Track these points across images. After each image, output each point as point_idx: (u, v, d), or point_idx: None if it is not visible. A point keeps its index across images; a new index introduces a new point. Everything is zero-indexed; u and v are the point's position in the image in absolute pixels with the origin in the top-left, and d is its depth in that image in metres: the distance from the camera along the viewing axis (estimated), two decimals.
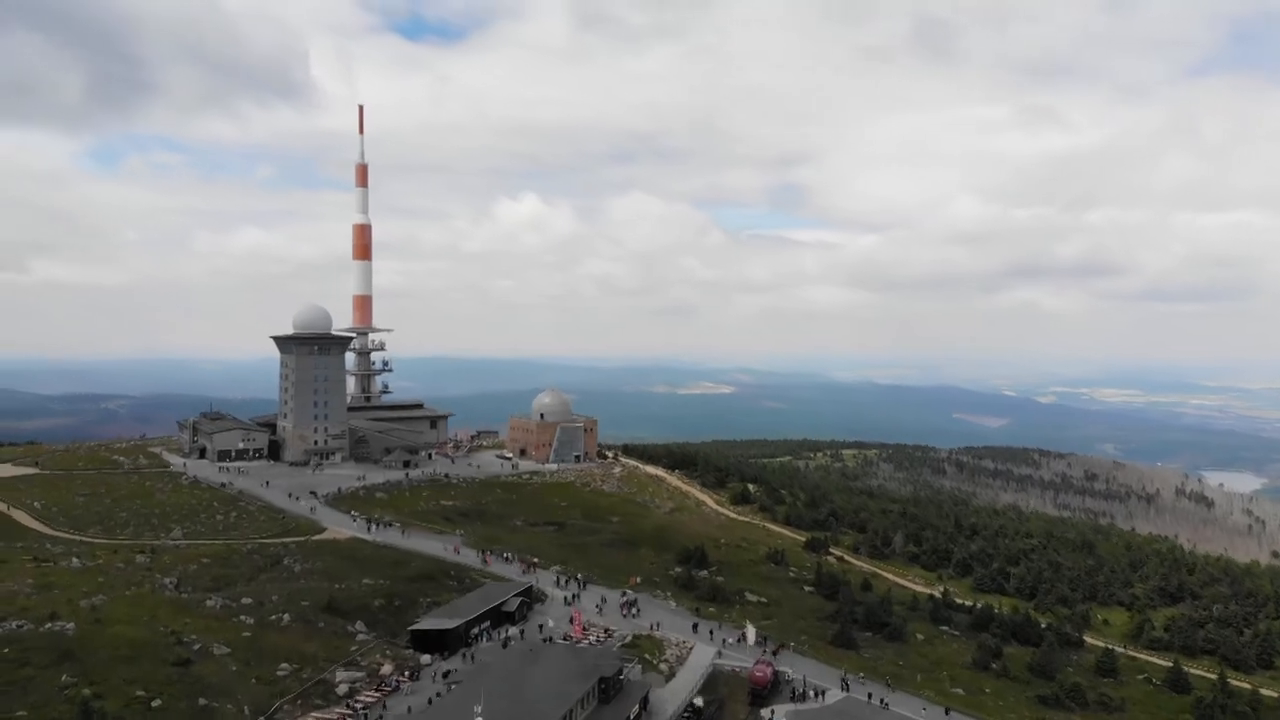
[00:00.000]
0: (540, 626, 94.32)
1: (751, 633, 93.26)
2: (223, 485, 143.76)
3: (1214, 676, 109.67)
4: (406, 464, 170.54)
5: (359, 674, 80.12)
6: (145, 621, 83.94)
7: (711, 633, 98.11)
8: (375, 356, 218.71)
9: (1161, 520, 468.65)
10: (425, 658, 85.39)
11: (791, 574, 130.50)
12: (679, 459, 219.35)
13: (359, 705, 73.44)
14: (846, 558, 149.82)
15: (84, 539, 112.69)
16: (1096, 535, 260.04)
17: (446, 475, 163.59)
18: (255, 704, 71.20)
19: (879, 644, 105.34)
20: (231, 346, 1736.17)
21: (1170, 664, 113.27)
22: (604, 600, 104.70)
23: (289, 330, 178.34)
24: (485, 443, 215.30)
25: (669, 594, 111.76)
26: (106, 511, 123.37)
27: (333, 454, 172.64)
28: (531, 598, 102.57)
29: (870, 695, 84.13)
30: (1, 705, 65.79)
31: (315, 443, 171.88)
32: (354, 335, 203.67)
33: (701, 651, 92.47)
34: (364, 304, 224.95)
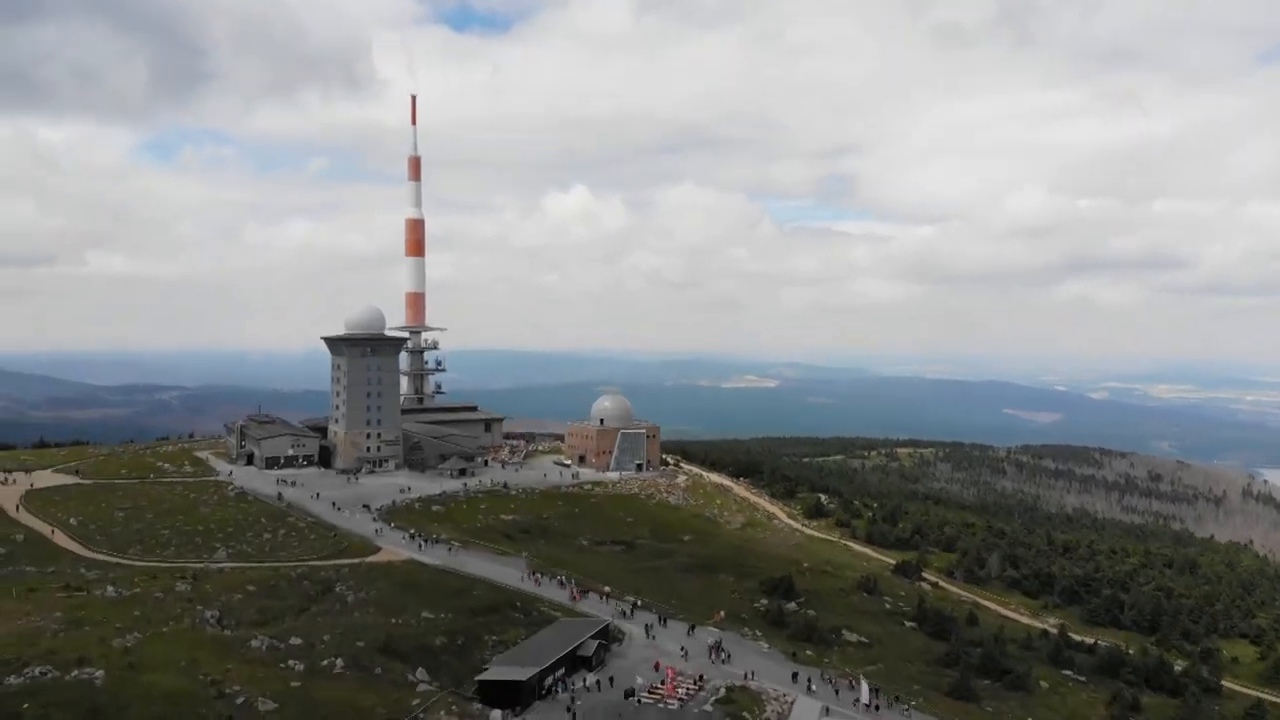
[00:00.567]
0: (612, 679, 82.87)
1: (866, 689, 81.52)
2: (279, 496, 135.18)
3: None
4: (463, 472, 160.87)
5: None
6: (183, 667, 74.29)
7: (811, 682, 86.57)
8: (428, 356, 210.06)
9: (1232, 524, 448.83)
10: (495, 714, 74.90)
11: (887, 606, 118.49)
12: (744, 466, 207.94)
13: None
14: (941, 583, 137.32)
15: (122, 560, 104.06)
16: (1182, 548, 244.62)
17: (505, 486, 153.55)
18: None
19: (1001, 694, 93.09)
20: (281, 339, 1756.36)
21: None
22: (690, 632, 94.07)
23: (339, 329, 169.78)
24: (541, 447, 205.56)
25: (758, 632, 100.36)
26: (147, 528, 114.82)
27: (386, 461, 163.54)
28: (609, 637, 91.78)
29: None
30: None
31: (368, 449, 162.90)
32: (408, 335, 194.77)
33: (805, 708, 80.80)
34: (416, 301, 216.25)
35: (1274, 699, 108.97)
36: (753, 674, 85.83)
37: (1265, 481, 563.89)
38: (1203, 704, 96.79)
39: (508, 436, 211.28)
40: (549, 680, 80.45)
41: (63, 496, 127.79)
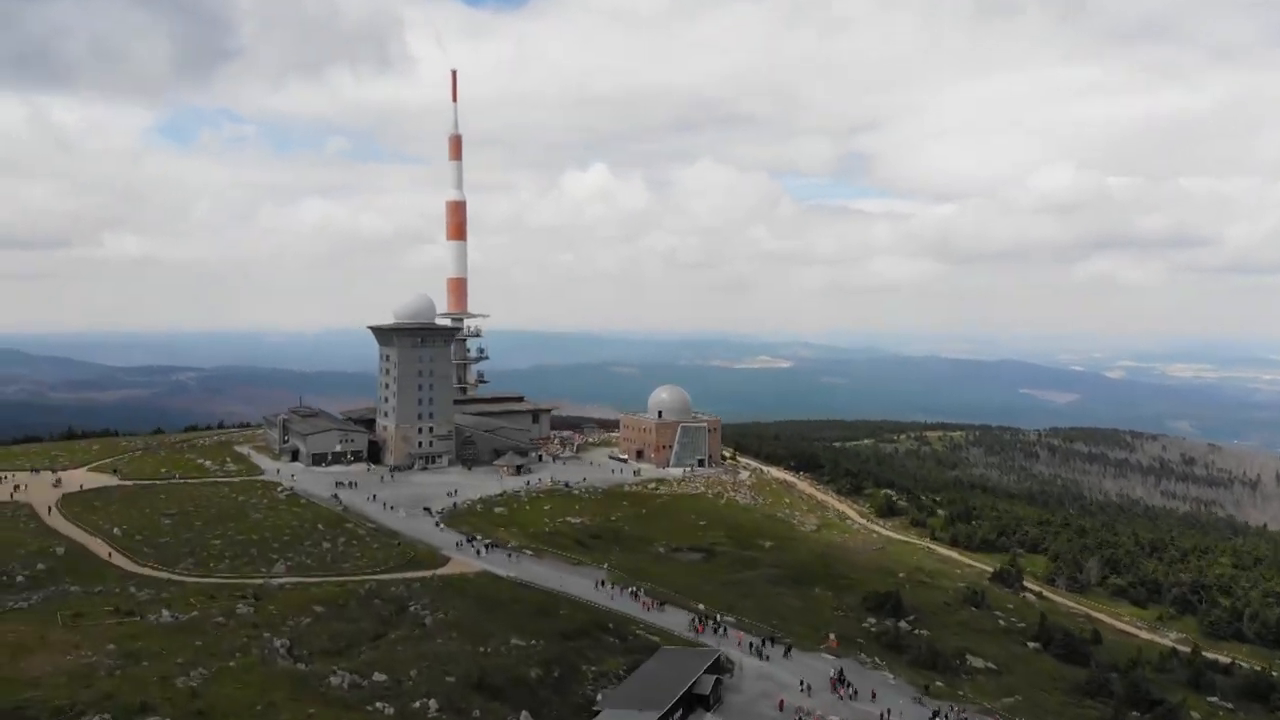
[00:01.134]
0: None
1: None
2: (334, 499, 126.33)
3: None
4: (520, 469, 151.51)
5: None
6: (259, 712, 65.27)
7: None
8: (470, 344, 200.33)
9: (1270, 508, 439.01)
10: None
11: (1001, 622, 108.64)
12: (803, 459, 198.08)
13: None
14: (1044, 592, 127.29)
15: (174, 576, 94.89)
16: (1236, 538, 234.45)
17: (568, 485, 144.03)
18: None
19: None
20: (297, 320, 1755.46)
21: None
22: (786, 653, 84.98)
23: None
24: (591, 439, 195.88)
25: (877, 659, 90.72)
26: (197, 538, 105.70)
27: (439, 457, 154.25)
28: (719, 668, 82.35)
29: None
30: None
31: (419, 444, 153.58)
32: (459, 325, 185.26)
33: None
34: (459, 287, 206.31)
35: None
36: (888, 713, 76.36)
37: None
38: None
39: (555, 427, 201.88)
40: None
41: (102, 500, 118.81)
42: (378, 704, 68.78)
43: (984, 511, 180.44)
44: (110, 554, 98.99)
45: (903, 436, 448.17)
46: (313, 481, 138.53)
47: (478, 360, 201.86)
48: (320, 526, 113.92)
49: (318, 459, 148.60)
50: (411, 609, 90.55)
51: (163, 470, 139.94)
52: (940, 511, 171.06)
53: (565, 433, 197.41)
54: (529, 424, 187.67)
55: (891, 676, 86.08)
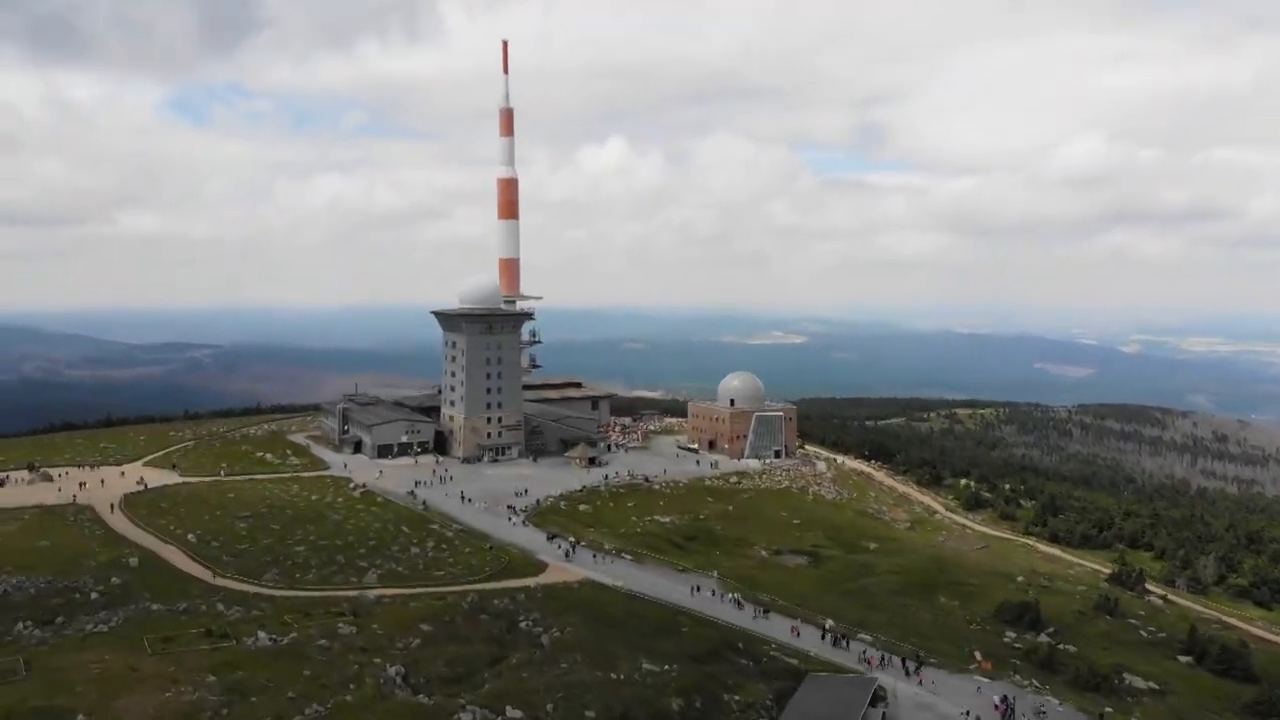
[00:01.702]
0: None
1: None
2: (412, 495, 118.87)
3: None
4: (592, 461, 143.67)
5: None
6: None
7: None
8: (524, 327, 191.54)
9: None
10: None
11: (1143, 633, 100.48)
12: (875, 447, 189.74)
13: None
14: (1169, 595, 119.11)
15: (261, 590, 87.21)
16: None
17: (647, 478, 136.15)
18: None
19: None
20: (313, 296, 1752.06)
21: None
22: (915, 671, 77.14)
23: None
24: (653, 426, 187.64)
25: (1034, 680, 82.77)
26: (278, 543, 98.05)
27: (509, 448, 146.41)
28: (877, 699, 74.59)
29: None
30: None
31: (488, 435, 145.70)
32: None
33: None
34: (510, 268, 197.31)
35: None
36: None
37: None
38: None
39: (614, 414, 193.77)
40: None
41: (169, 501, 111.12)
42: None
43: (1066, 501, 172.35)
44: (188, 564, 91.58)
45: (932, 414, 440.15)
46: (377, 475, 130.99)
47: (532, 344, 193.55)
48: (404, 528, 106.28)
49: (383, 451, 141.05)
50: (523, 625, 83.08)
51: (223, 465, 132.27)
52: (1025, 503, 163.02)
53: (624, 420, 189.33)
54: (588, 411, 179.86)
55: (1056, 701, 78.12)
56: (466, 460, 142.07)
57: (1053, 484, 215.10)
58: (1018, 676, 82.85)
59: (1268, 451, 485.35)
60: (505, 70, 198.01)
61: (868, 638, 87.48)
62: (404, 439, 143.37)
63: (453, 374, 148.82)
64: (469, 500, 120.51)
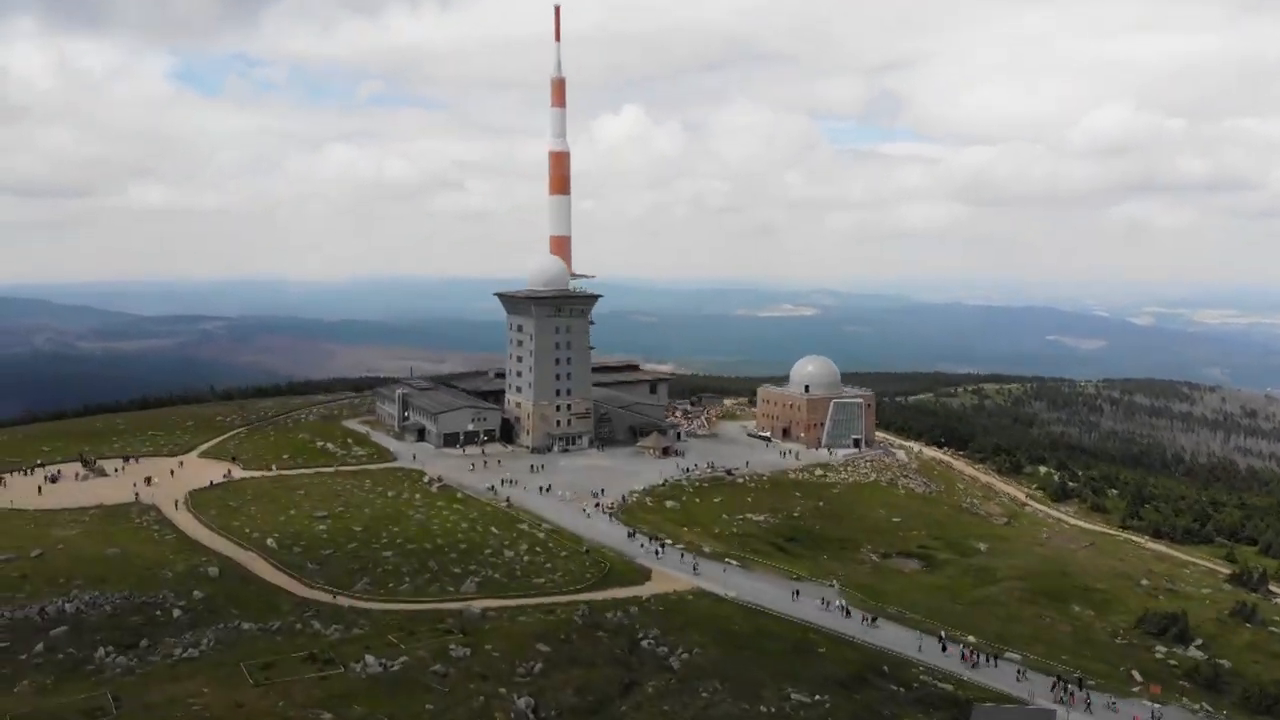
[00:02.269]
0: None
1: None
2: (493, 490, 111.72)
3: None
4: (666, 451, 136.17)
5: None
6: None
7: None
8: None
9: None
10: None
11: None
12: (946, 433, 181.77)
13: None
14: None
15: (355, 602, 79.91)
16: None
17: (729, 471, 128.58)
18: None
19: None
20: (322, 268, 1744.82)
21: None
22: (1151, 715, 69.40)
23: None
24: (715, 411, 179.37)
25: (1204, 704, 75.45)
26: (363, 548, 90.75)
27: (578, 438, 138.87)
28: None
29: None
30: None
31: (557, 423, 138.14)
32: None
33: None
34: (562, 246, 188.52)
35: None
36: None
37: None
38: None
39: (675, 398, 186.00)
40: None
41: (237, 499, 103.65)
42: None
43: (1149, 489, 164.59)
44: (272, 573, 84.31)
45: (960, 390, 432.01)
46: (453, 467, 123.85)
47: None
48: (493, 529, 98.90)
49: (449, 440, 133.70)
50: (645, 644, 75.83)
51: (284, 457, 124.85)
52: (1111, 491, 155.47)
53: (683, 404, 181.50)
54: (647, 395, 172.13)
55: None
56: (535, 450, 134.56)
57: (1115, 468, 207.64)
58: (1185, 700, 75.68)
59: None
60: (557, 37, 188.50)
61: (1015, 656, 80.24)
62: (470, 427, 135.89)
63: (518, 359, 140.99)
64: (547, 491, 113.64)
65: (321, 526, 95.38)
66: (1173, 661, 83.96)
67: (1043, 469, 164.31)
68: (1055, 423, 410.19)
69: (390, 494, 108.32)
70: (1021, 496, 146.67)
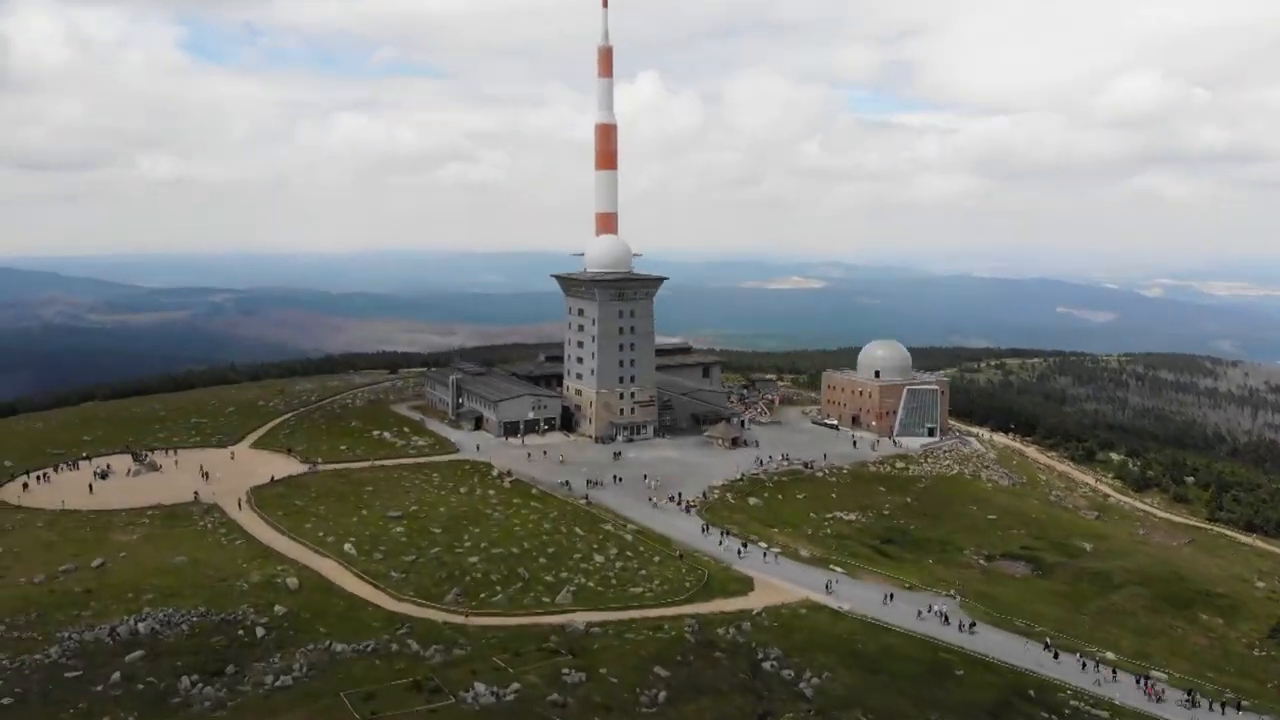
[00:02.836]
0: None
1: None
2: (567, 486, 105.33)
3: None
4: (735, 442, 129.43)
5: None
6: None
7: None
8: None
9: None
10: None
11: None
12: (1011, 415, 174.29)
13: None
14: None
15: (449, 616, 73.44)
16: None
17: (807, 464, 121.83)
18: None
19: None
20: (330, 240, 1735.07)
21: None
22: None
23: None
24: (773, 396, 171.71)
25: None
26: (446, 552, 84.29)
27: (643, 426, 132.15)
28: None
29: None
30: None
31: (620, 412, 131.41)
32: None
33: None
34: (609, 224, 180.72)
35: None
36: None
37: None
38: None
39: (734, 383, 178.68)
40: None
41: (302, 496, 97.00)
42: None
43: (1225, 476, 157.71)
44: (354, 583, 77.87)
45: (983, 365, 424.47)
46: (518, 458, 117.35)
47: None
48: (577, 530, 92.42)
49: (510, 429, 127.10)
50: (768, 667, 69.50)
51: (341, 447, 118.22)
52: (1188, 479, 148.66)
53: (739, 388, 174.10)
54: (700, 378, 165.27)
55: None
56: (599, 440, 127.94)
57: (1173, 451, 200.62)
58: None
59: None
60: (605, 3, 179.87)
61: (1160, 674, 73.84)
62: (530, 415, 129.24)
63: (579, 344, 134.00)
64: (620, 483, 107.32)
65: (398, 528, 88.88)
66: None
67: (1114, 456, 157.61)
68: (1084, 399, 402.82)
69: (462, 490, 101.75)
70: (1100, 486, 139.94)
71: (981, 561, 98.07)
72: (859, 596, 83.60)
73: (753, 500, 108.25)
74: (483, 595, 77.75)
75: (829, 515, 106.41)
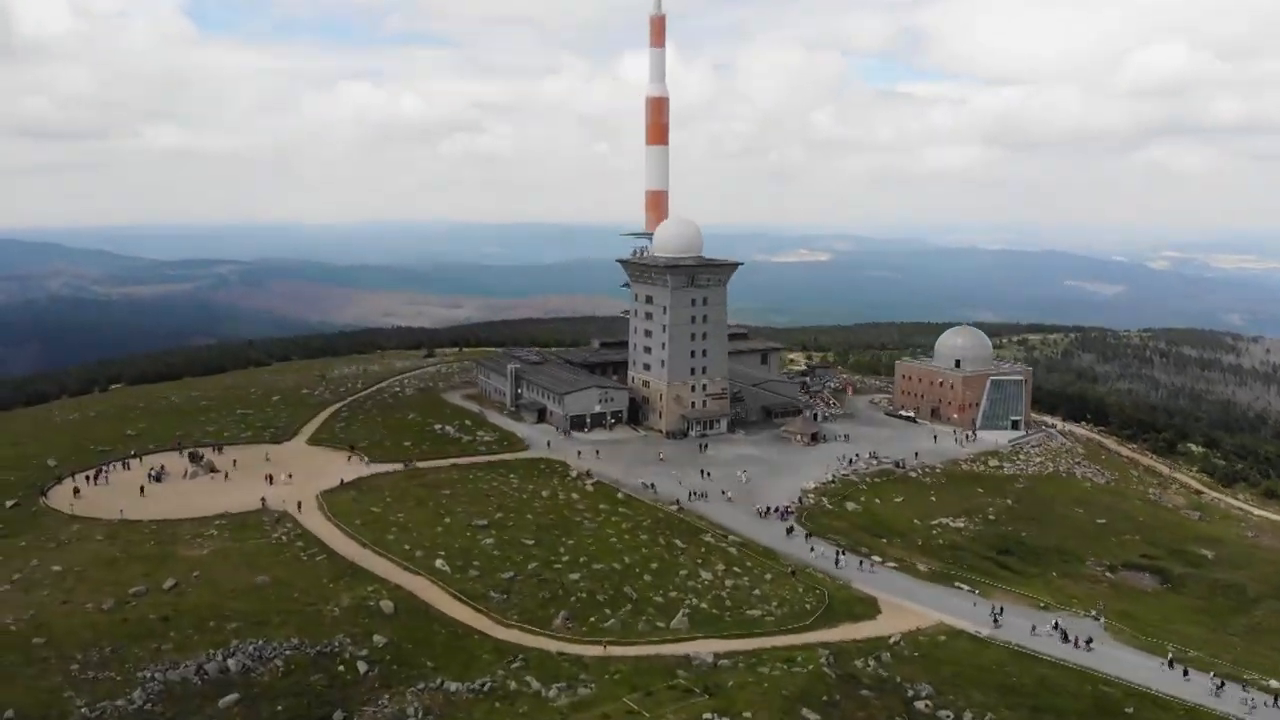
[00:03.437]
0: None
1: None
2: (651, 488, 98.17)
3: None
4: (815, 438, 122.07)
5: None
6: None
7: None
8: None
9: None
10: None
11: None
12: (1083, 403, 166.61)
13: None
14: None
15: (563, 646, 66.48)
16: None
17: (899, 463, 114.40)
18: None
19: None
20: (334, 211, 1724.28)
21: None
22: None
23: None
24: (834, 384, 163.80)
25: None
26: (545, 567, 77.12)
27: (715, 421, 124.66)
28: None
29: None
30: None
31: (692, 405, 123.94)
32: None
33: None
34: (659, 202, 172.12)
35: None
36: None
37: None
38: None
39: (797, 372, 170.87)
40: None
41: (378, 502, 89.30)
42: None
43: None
44: (452, 605, 70.76)
45: (1005, 341, 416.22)
46: (592, 455, 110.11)
47: None
48: (677, 541, 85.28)
49: (576, 423, 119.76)
50: (921, 707, 62.60)
51: (405, 443, 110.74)
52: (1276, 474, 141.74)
53: (798, 376, 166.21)
54: (758, 365, 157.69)
55: None
56: (670, 435, 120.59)
57: (1244, 437, 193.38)
58: None
59: None
60: None
61: None
62: (597, 408, 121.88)
63: (647, 333, 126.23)
64: (707, 488, 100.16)
65: (487, 539, 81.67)
66: None
67: (1194, 447, 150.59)
68: (1114, 378, 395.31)
69: (544, 494, 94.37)
70: (1189, 481, 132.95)
71: (1106, 574, 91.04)
72: (987, 617, 76.71)
73: (850, 505, 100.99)
74: (591, 619, 70.76)
75: (934, 522, 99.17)
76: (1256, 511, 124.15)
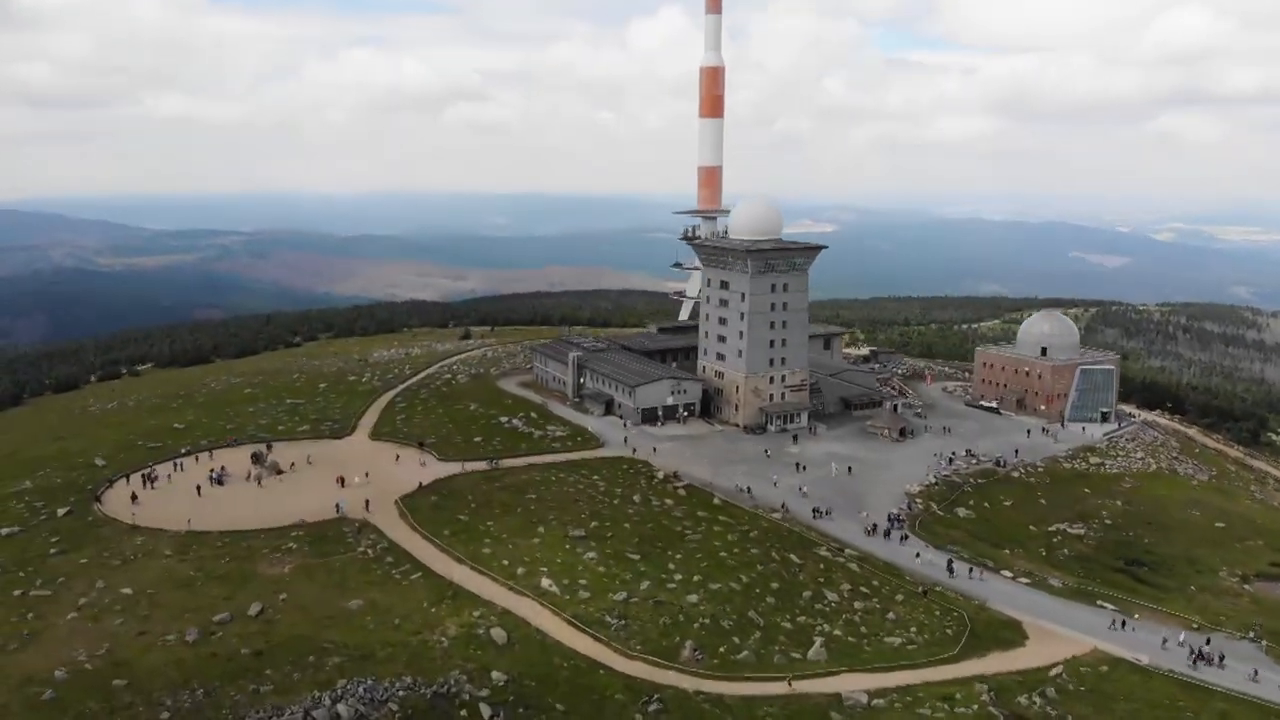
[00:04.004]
0: None
1: None
2: (748, 492, 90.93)
3: None
4: (904, 433, 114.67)
5: None
6: None
7: None
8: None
9: None
10: None
11: None
12: (1160, 392, 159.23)
13: None
14: None
15: (699, 682, 59.69)
16: None
17: (999, 463, 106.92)
18: None
19: None
20: (337, 181, 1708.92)
21: None
22: None
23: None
24: (901, 370, 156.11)
25: None
26: (658, 589, 70.05)
27: (796, 414, 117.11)
28: None
29: None
30: None
31: (770, 397, 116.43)
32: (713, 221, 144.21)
33: None
34: (712, 178, 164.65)
35: None
36: None
37: None
38: None
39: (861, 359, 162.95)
40: None
41: (463, 508, 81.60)
42: None
43: None
44: (568, 633, 63.69)
45: (1024, 315, 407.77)
46: (672, 452, 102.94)
47: None
48: (791, 556, 78.14)
49: (648, 416, 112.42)
50: None
51: (476, 439, 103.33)
52: None
53: (863, 362, 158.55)
54: (821, 351, 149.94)
55: None
56: (749, 429, 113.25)
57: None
58: None
59: None
60: None
61: None
62: (669, 400, 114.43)
63: (721, 320, 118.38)
64: (803, 492, 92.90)
65: (589, 553, 74.60)
66: None
67: (1276, 437, 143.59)
68: (1144, 355, 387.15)
69: (635, 499, 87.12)
70: None
71: (1248, 588, 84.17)
72: (1142, 642, 69.89)
73: (960, 511, 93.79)
74: (722, 650, 63.83)
75: (1052, 528, 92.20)
76: None
